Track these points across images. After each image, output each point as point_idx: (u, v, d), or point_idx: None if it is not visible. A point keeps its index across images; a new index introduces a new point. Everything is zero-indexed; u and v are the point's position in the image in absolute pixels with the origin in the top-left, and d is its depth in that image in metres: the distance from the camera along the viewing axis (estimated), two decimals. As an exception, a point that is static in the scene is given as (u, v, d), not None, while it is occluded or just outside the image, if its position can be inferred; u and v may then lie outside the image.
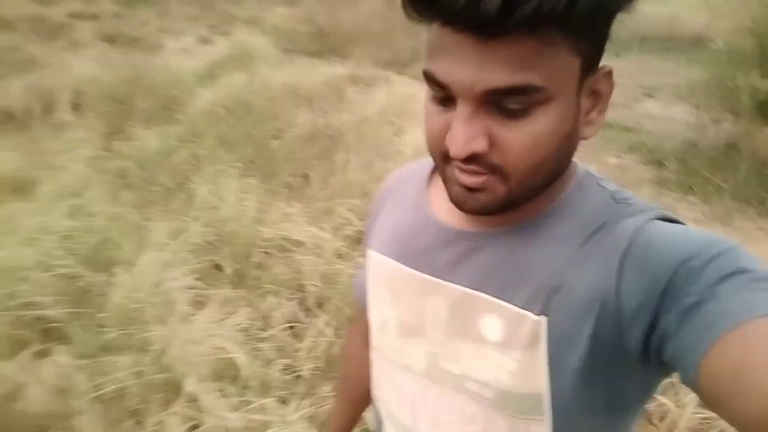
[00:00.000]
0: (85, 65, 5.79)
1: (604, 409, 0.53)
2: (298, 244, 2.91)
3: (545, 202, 0.55)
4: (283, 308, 2.48)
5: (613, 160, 4.96)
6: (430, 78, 0.48)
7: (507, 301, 0.54)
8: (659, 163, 4.90)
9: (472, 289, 0.56)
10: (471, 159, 0.48)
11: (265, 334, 2.33)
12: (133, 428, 1.84)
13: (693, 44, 8.94)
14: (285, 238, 2.94)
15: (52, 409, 1.81)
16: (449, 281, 0.58)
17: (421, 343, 0.61)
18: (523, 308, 0.53)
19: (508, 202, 0.51)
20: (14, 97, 4.91)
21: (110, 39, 8.36)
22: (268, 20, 9.73)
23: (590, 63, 0.48)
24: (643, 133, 5.62)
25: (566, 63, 0.46)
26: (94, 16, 10.19)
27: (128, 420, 1.85)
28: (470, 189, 0.50)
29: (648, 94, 7.09)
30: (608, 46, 0.50)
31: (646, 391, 0.55)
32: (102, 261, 2.52)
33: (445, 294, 0.59)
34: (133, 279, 2.33)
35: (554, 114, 0.47)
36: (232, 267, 2.72)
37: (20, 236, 2.58)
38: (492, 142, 0.47)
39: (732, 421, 0.40)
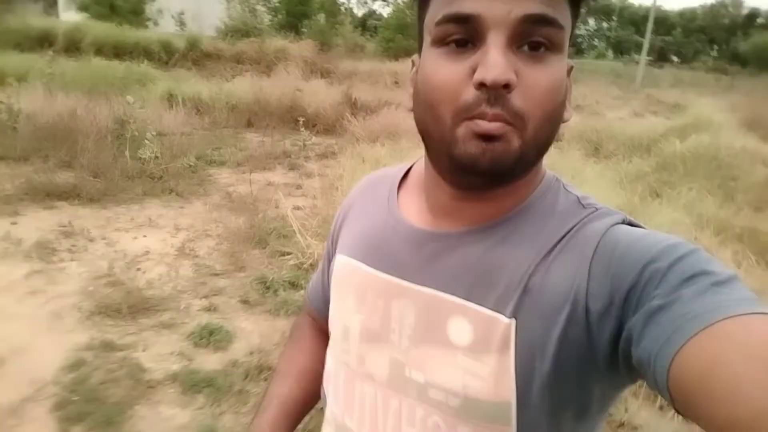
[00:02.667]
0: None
1: (571, 416, 0.51)
2: None
3: (514, 200, 0.55)
4: None
5: None
6: (450, 19, 0.47)
7: (476, 303, 0.52)
8: None
9: (441, 291, 0.55)
10: (499, 96, 0.46)
11: None
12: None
13: None
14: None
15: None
16: (417, 284, 0.57)
17: (386, 350, 0.58)
18: (493, 310, 0.51)
19: (518, 161, 0.49)
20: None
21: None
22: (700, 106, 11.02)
23: (569, 44, 0.51)
24: None
25: (568, 26, 0.49)
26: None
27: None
28: (489, 138, 0.47)
29: None
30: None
31: (613, 397, 0.54)
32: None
33: (413, 297, 0.57)
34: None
35: (561, 67, 0.49)
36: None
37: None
38: (518, 82, 0.46)
39: (702, 425, 0.39)
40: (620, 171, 5.88)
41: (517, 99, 0.46)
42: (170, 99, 8.80)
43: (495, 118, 0.46)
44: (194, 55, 13.21)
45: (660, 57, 36.56)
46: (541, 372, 0.49)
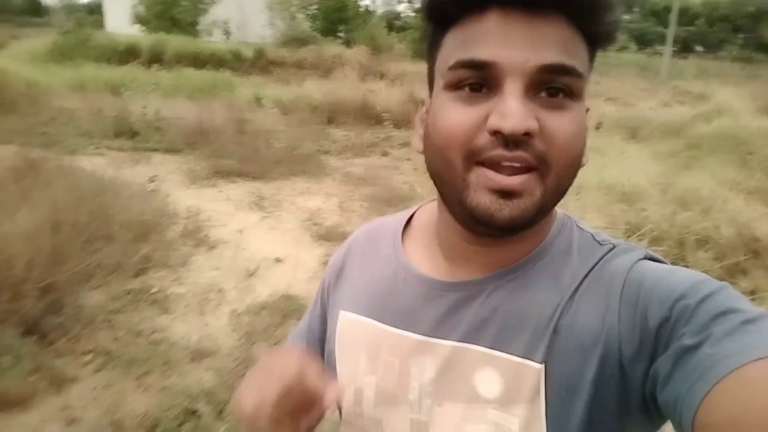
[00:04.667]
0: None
1: None
2: None
3: (533, 242, 0.54)
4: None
5: None
6: (467, 65, 0.46)
7: (504, 352, 0.51)
8: None
9: (465, 342, 0.53)
10: (519, 144, 0.45)
11: None
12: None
13: None
14: None
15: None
16: (437, 338, 0.54)
17: (404, 412, 0.55)
18: (522, 357, 0.50)
19: (539, 211, 0.47)
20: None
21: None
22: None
23: (585, 88, 0.49)
24: None
25: (586, 71, 0.48)
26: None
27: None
28: (507, 194, 0.46)
29: None
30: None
31: None
32: None
33: (433, 352, 0.54)
34: None
35: (581, 112, 0.48)
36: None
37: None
38: (540, 129, 0.45)
39: None
40: (656, 150, 7.22)
41: (540, 145, 0.45)
42: (257, 102, 10.38)
43: (516, 161, 0.45)
44: (261, 63, 14.83)
45: (684, 48, 37.16)
46: (575, 416, 0.47)
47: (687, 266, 0.50)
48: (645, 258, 0.51)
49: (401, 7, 44.30)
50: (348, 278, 0.66)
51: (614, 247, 0.53)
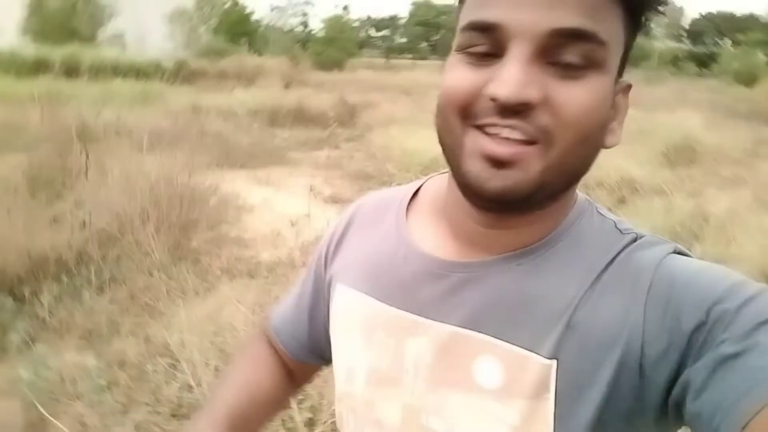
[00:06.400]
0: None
1: None
2: None
3: (547, 225, 0.50)
4: None
5: None
6: (474, 27, 0.44)
7: (508, 341, 0.47)
8: None
9: (464, 328, 0.50)
10: (517, 113, 0.41)
11: None
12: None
13: None
14: None
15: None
16: (435, 320, 0.51)
17: (397, 394, 0.53)
18: (527, 349, 0.46)
19: (537, 189, 0.44)
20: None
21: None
22: None
23: (623, 62, 0.47)
24: None
25: (618, 36, 0.44)
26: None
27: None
28: (498, 162, 0.43)
29: None
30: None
31: None
32: None
33: (431, 335, 0.51)
34: None
35: (603, 86, 0.43)
36: None
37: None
38: (544, 99, 0.41)
39: None
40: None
41: (542, 115, 0.42)
42: (195, 110, 11.09)
43: (509, 136, 0.42)
44: (184, 73, 15.30)
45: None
46: (584, 417, 0.44)
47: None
48: (675, 252, 0.47)
49: (294, 21, 45.29)
50: (347, 249, 0.63)
51: (637, 237, 0.49)
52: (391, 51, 49.62)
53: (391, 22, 54.00)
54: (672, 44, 44.55)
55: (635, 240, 0.48)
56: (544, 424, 0.45)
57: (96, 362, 2.38)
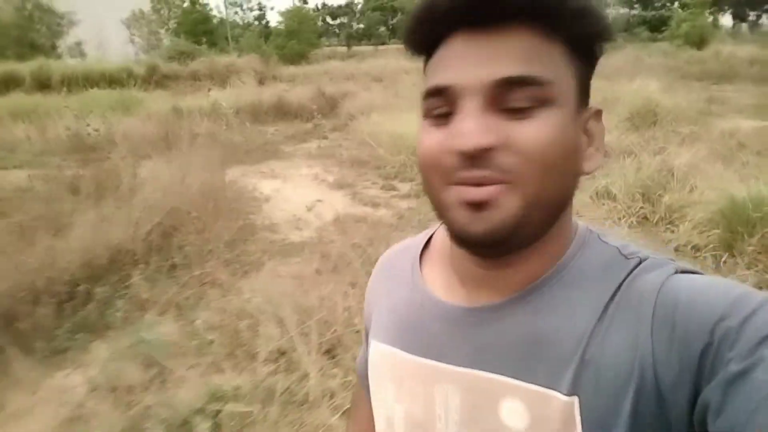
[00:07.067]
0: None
1: None
2: None
3: (548, 260, 0.51)
4: None
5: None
6: (432, 93, 0.48)
7: (527, 381, 0.48)
8: None
9: (486, 371, 0.51)
10: (480, 159, 0.44)
11: None
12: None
13: None
14: None
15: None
16: (458, 365, 0.53)
17: None
18: (545, 387, 0.47)
19: (522, 223, 0.45)
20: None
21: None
22: None
23: (583, 92, 0.49)
24: None
25: (567, 74, 0.47)
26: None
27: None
28: (477, 206, 0.45)
29: None
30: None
31: None
32: None
33: (455, 380, 0.53)
34: None
35: (559, 119, 0.45)
36: None
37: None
38: (501, 143, 0.44)
39: None
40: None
41: (505, 157, 0.44)
42: (178, 113, 11.34)
43: (482, 182, 0.45)
44: (156, 78, 15.40)
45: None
46: None
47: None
48: (676, 272, 0.47)
49: (251, 16, 44.88)
50: (375, 304, 0.67)
51: (640, 261, 0.49)
52: (350, 38, 49.62)
53: (347, 9, 53.92)
54: (624, 10, 45.96)
55: (639, 264, 0.49)
56: None
57: (195, 325, 2.88)
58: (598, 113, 0.51)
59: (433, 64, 0.49)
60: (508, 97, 0.45)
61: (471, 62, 0.45)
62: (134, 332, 2.88)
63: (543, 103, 0.45)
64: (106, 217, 3.66)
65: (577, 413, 0.45)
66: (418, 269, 0.62)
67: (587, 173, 0.50)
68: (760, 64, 17.28)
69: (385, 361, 0.61)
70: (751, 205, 3.77)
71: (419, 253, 0.64)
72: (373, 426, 0.66)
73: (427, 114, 0.49)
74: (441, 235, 0.62)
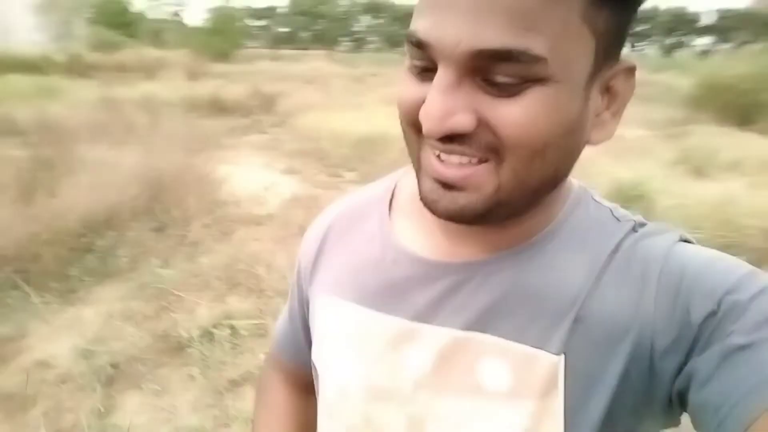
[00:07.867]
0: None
1: None
2: None
3: (542, 219, 0.49)
4: None
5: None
6: (410, 41, 0.41)
7: (515, 341, 0.46)
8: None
9: (467, 330, 0.48)
10: (451, 139, 0.40)
11: None
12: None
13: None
14: None
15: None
16: (434, 324, 0.50)
17: (399, 406, 0.50)
18: (534, 347, 0.45)
19: (492, 207, 0.42)
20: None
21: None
22: None
23: (608, 48, 0.41)
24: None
25: (578, 38, 0.38)
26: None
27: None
28: (447, 185, 0.42)
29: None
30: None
31: None
32: None
33: (430, 340, 0.49)
34: None
35: (553, 101, 0.39)
36: None
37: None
38: (480, 121, 0.39)
39: None
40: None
41: (486, 135, 0.39)
42: (106, 103, 11.22)
43: (454, 165, 0.41)
44: (79, 68, 14.90)
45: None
46: (594, 412, 0.43)
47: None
48: (680, 240, 0.46)
49: (168, 11, 43.55)
50: (328, 259, 0.60)
51: (635, 224, 0.48)
52: (273, 41, 49.53)
53: (270, 12, 53.69)
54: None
55: (634, 227, 0.48)
56: (555, 422, 0.44)
57: (198, 266, 3.41)
58: (630, 70, 0.44)
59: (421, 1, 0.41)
60: (491, 70, 0.38)
61: (453, 19, 0.37)
62: (142, 274, 3.34)
63: (534, 81, 0.38)
64: (96, 185, 4.03)
65: (561, 372, 0.44)
66: (387, 222, 0.57)
67: (595, 143, 0.44)
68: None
69: (342, 319, 0.56)
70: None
71: (387, 204, 0.58)
72: (289, 411, 0.65)
73: (409, 61, 0.43)
74: (410, 183, 0.56)
